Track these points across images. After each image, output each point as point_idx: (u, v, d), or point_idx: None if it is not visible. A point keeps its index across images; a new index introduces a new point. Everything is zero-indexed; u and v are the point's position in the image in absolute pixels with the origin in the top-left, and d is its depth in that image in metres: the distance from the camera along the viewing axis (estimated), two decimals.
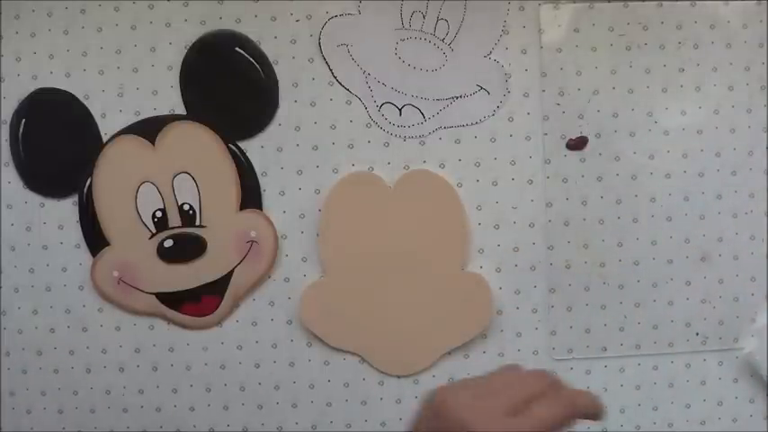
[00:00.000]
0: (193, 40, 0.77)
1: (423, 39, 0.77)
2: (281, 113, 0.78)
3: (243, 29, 0.77)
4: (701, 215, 0.80)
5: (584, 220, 0.80)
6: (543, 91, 0.78)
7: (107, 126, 0.78)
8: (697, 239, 0.80)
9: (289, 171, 0.79)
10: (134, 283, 0.79)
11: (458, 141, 0.79)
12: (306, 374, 0.81)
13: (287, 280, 0.80)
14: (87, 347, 0.81)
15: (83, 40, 0.77)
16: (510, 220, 0.79)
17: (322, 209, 0.79)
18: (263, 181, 0.79)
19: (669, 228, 0.80)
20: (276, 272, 0.80)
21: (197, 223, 0.78)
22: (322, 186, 0.79)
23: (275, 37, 0.77)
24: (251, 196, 0.79)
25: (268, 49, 0.77)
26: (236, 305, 0.80)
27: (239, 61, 0.77)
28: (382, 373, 0.81)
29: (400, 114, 0.78)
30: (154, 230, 0.78)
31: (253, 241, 0.79)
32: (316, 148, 0.79)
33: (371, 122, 0.78)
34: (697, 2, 0.78)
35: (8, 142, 0.78)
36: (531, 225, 0.80)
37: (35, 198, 0.79)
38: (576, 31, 0.77)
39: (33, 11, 0.77)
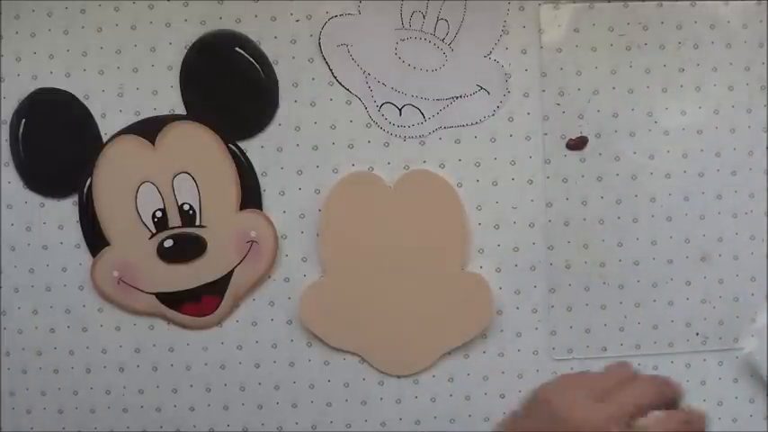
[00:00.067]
0: (193, 40, 0.77)
1: (423, 39, 0.77)
2: (281, 113, 0.78)
3: (243, 29, 0.77)
4: (701, 215, 0.80)
5: (584, 220, 0.80)
6: (543, 91, 0.78)
7: (107, 126, 0.78)
8: (697, 239, 0.80)
9: (289, 171, 0.79)
10: (134, 283, 0.79)
11: (458, 141, 0.79)
12: (306, 374, 0.81)
13: (287, 280, 0.80)
14: (87, 347, 0.81)
15: (83, 40, 0.77)
16: (510, 220, 0.79)
17: (322, 209, 0.79)
18: (263, 181, 0.79)
19: (669, 228, 0.80)
20: (276, 272, 0.80)
21: (197, 223, 0.78)
22: (322, 186, 0.79)
23: (275, 37, 0.77)
24: (251, 196, 0.79)
25: (268, 49, 0.77)
26: (236, 305, 0.80)
27: (239, 61, 0.77)
28: (382, 373, 0.81)
29: (400, 114, 0.78)
30: (154, 230, 0.78)
31: (253, 241, 0.79)
32: (316, 148, 0.79)
33: (371, 122, 0.78)
34: (697, 2, 0.78)
35: (8, 142, 0.78)
36: (531, 225, 0.79)
37: (35, 198, 0.79)
38: (576, 31, 0.77)
39: (33, 11, 0.77)
